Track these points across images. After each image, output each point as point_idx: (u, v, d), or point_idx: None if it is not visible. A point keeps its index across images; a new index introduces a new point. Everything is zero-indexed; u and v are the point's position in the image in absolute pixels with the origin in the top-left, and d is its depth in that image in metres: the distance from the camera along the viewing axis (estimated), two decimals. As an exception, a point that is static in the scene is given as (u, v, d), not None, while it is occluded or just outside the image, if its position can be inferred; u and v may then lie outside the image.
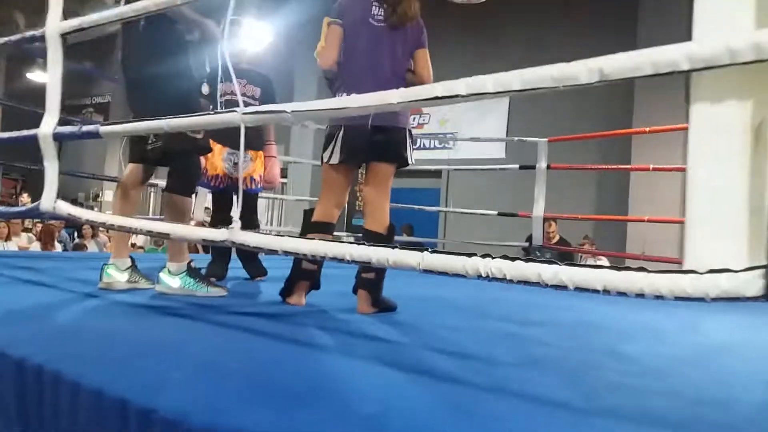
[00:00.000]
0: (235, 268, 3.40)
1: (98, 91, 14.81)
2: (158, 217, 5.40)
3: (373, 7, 2.40)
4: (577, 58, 1.08)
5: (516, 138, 6.09)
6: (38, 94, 2.35)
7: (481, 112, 9.46)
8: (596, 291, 1.01)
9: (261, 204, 10.27)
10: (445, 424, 1.04)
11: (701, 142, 0.97)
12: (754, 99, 0.93)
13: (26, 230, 8.35)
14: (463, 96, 1.20)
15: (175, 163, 2.48)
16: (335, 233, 2.68)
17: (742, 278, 0.86)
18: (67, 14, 2.24)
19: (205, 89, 2.43)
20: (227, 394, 1.13)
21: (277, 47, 8.62)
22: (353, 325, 2.06)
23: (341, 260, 1.32)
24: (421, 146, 9.93)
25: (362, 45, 2.39)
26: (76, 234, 9.66)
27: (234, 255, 3.45)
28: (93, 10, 2.36)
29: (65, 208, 2.06)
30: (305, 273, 2.39)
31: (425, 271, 1.20)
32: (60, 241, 8.42)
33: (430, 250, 1.24)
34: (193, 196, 5.08)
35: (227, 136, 3.00)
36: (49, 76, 2.17)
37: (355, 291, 2.36)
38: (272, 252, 1.52)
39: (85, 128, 2.03)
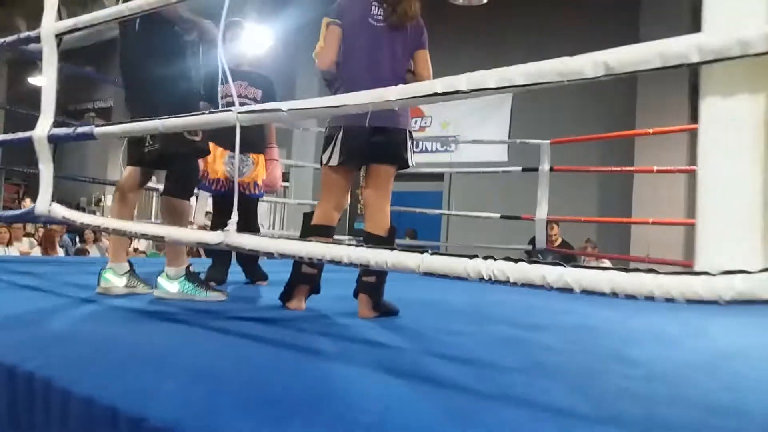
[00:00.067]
0: (236, 272, 3.36)
1: (100, 95, 14.83)
2: (160, 221, 5.35)
3: (373, 7, 2.36)
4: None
5: (518, 140, 6.05)
6: (40, 98, 2.32)
7: (483, 114, 9.43)
8: (603, 294, 0.97)
9: (263, 208, 10.27)
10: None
11: (712, 138, 0.93)
12: (766, 92, 0.89)
13: (28, 235, 8.33)
14: (464, 92, 1.16)
15: (173, 166, 2.45)
16: (337, 237, 2.64)
17: (758, 279, 0.82)
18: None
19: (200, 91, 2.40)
20: (221, 403, 1.09)
21: (278, 49, 8.60)
22: (353, 330, 2.02)
23: (339, 263, 1.28)
24: (423, 149, 9.90)
25: (361, 45, 2.35)
26: (78, 239, 9.65)
27: (234, 259, 3.41)
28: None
29: (60, 211, 2.03)
30: (305, 277, 2.35)
31: (425, 273, 1.16)
32: (62, 246, 8.40)
33: (430, 252, 1.20)
34: (194, 200, 5.06)
35: (228, 139, 2.97)
36: (44, 78, 2.14)
37: (355, 295, 2.32)
38: (269, 255, 1.48)
39: (80, 130, 1.99)
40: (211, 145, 3.12)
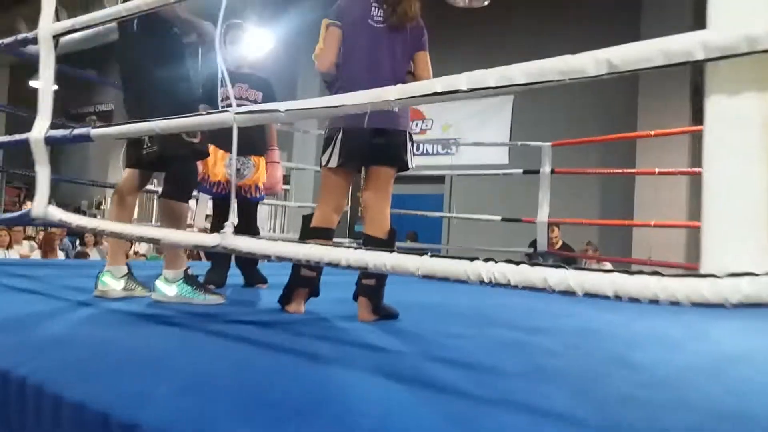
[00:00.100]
0: (235, 275, 3.34)
1: (102, 99, 14.82)
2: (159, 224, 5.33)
3: (373, 8, 2.34)
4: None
5: (519, 143, 6.03)
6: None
7: (484, 117, 9.41)
8: (606, 297, 0.95)
9: (264, 211, 10.26)
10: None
11: (717, 137, 0.91)
12: (774, 90, 0.87)
13: (29, 238, 8.31)
14: (464, 91, 1.14)
15: (172, 168, 2.43)
16: (337, 239, 2.62)
17: (765, 282, 0.79)
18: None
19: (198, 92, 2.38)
20: (216, 409, 1.07)
21: (279, 52, 8.59)
22: (353, 333, 2.00)
23: (337, 265, 1.26)
24: (424, 152, 9.88)
25: (361, 46, 2.33)
26: (78, 242, 9.62)
27: (234, 263, 3.39)
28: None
29: (57, 213, 2.01)
30: (304, 280, 2.33)
31: (425, 276, 1.13)
32: (62, 249, 8.38)
33: (430, 254, 1.17)
34: (195, 202, 5.05)
35: (229, 141, 2.96)
36: (41, 79, 2.12)
37: (355, 298, 2.30)
38: (266, 257, 1.46)
39: (77, 131, 1.97)
40: (212, 147, 3.11)
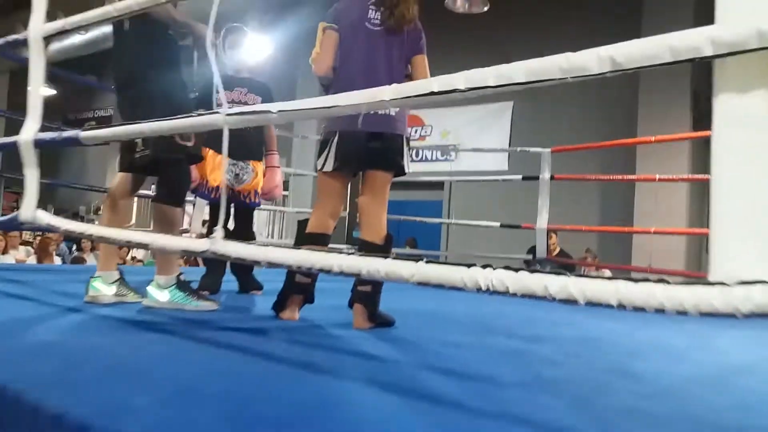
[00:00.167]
0: (230, 281, 3.29)
1: (100, 104, 14.81)
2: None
3: (370, 11, 2.31)
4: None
5: (518, 149, 6.00)
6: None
7: (483, 124, 9.39)
8: (610, 306, 0.90)
9: (262, 216, 10.21)
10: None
11: (726, 138, 0.86)
12: (786, 89, 0.82)
13: (25, 243, 8.26)
14: (461, 91, 1.09)
15: (164, 172, 2.39)
16: (335, 245, 2.58)
17: (779, 291, 0.75)
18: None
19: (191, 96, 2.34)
20: (200, 420, 1.02)
21: (278, 56, 8.57)
22: (348, 341, 1.95)
23: (329, 272, 1.21)
24: (423, 158, 9.86)
25: (358, 50, 2.29)
26: (75, 247, 9.57)
27: (229, 269, 3.35)
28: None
29: (45, 218, 1.96)
30: (299, 286, 2.28)
31: (420, 283, 1.09)
32: (59, 254, 8.33)
33: (425, 260, 1.13)
34: (192, 207, 4.99)
35: (228, 146, 2.93)
36: (30, 80, 2.08)
37: (350, 305, 2.25)
38: (257, 263, 1.41)
39: (66, 134, 1.93)
40: (210, 152, 3.07)
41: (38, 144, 2.00)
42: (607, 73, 0.94)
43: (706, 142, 6.30)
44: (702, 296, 0.79)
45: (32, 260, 7.22)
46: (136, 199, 8.33)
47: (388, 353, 1.81)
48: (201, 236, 4.25)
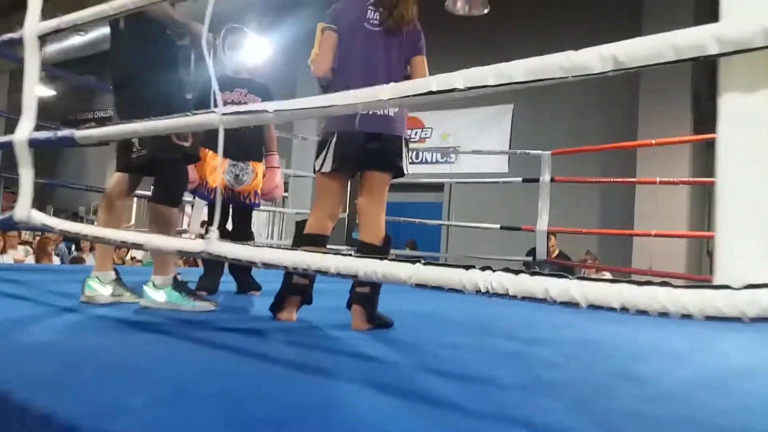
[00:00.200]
0: (229, 282, 3.27)
1: (100, 105, 14.79)
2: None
3: (369, 11, 2.29)
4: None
5: (519, 151, 5.98)
6: (41, 107, 2.26)
7: (483, 126, 9.37)
8: (612, 309, 0.88)
9: (262, 217, 10.18)
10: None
11: (732, 138, 0.85)
12: (793, 87, 0.81)
13: (24, 243, 8.24)
14: (460, 90, 1.08)
15: (161, 172, 2.37)
16: (334, 247, 2.56)
17: (785, 294, 0.73)
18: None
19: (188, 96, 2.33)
20: (194, 423, 1.00)
21: (278, 57, 8.55)
22: (346, 343, 1.93)
23: (326, 273, 1.19)
24: (423, 160, 9.84)
25: (357, 50, 2.28)
26: (74, 247, 9.54)
27: (227, 269, 3.33)
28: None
29: (40, 218, 1.94)
30: (297, 287, 2.26)
31: (418, 285, 1.07)
32: (57, 254, 8.30)
33: (423, 262, 1.11)
34: (191, 208, 4.97)
35: (228, 145, 2.92)
36: (25, 79, 2.06)
37: (349, 306, 2.23)
38: (252, 264, 1.40)
39: (61, 134, 1.91)
40: (210, 153, 3.05)
41: (33, 143, 1.98)
42: (609, 72, 0.93)
43: (707, 144, 6.29)
44: (707, 300, 0.78)
45: (31, 260, 7.20)
46: (135, 199, 8.29)
47: (386, 354, 1.79)
48: (199, 237, 4.25)
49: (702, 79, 7.21)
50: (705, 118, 7.05)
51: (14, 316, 1.97)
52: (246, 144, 3.17)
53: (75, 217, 13.19)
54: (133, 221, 10.24)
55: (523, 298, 0.97)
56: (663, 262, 6.18)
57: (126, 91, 2.39)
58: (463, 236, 8.76)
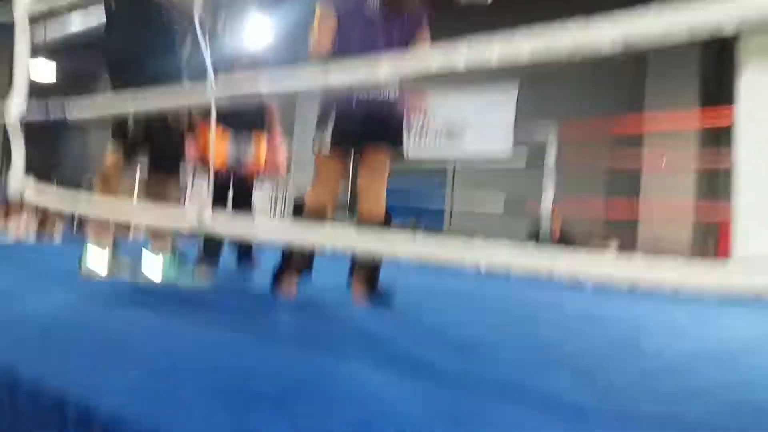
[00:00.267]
0: (229, 256, 3.25)
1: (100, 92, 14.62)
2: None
3: None
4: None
5: (524, 130, 5.92)
6: (40, 90, 2.21)
7: (488, 105, 9.26)
8: (622, 286, 0.85)
9: (263, 197, 10.14)
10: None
11: (752, 118, 0.81)
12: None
13: (28, 213, 8.20)
14: (461, 70, 1.03)
15: (157, 143, 2.32)
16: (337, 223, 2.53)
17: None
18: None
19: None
20: (182, 396, 0.98)
21: (280, 40, 8.46)
22: (345, 317, 1.91)
23: (322, 248, 1.16)
24: (426, 141, 9.73)
25: (356, 33, 2.21)
26: (79, 221, 9.50)
27: (228, 243, 3.30)
28: None
29: (33, 194, 1.91)
30: (297, 262, 2.23)
31: (417, 260, 1.03)
32: (62, 225, 8.25)
33: (423, 235, 1.07)
34: (190, 186, 4.94)
35: (231, 116, 2.89)
36: (16, 55, 2.02)
37: (349, 281, 2.20)
38: (246, 238, 1.37)
39: (52, 108, 1.87)
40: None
41: (24, 120, 1.95)
42: (618, 52, 0.88)
43: (716, 128, 6.22)
44: (723, 276, 0.74)
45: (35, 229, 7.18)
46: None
47: (385, 330, 1.76)
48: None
49: (710, 59, 7.10)
50: (712, 99, 6.95)
51: (10, 290, 1.95)
52: (247, 114, 3.13)
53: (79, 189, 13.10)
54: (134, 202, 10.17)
55: (527, 276, 0.94)
56: (669, 246, 6.16)
57: (122, 76, 2.32)
58: (465, 218, 8.71)
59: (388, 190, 2.27)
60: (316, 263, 2.31)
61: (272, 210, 10.76)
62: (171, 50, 2.33)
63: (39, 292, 1.98)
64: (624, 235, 7.36)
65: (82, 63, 9.71)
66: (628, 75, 7.62)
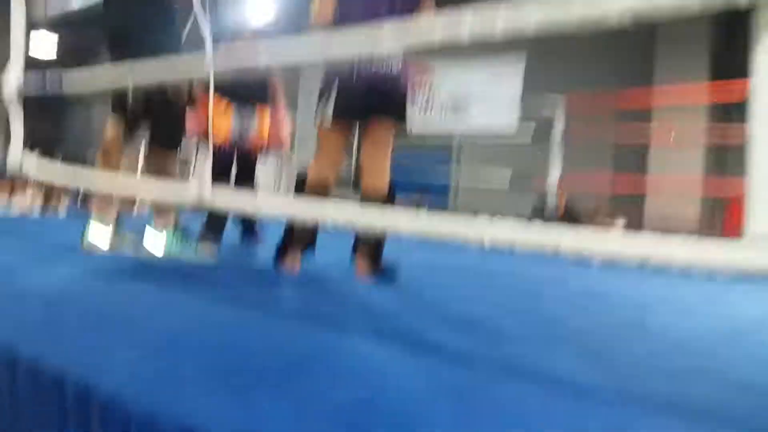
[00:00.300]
0: (233, 230, 3.23)
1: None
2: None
3: None
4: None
5: (530, 103, 5.85)
6: (40, 64, 2.17)
7: (494, 77, 9.13)
8: (631, 263, 0.82)
9: (268, 170, 10.09)
10: (442, 415, 0.86)
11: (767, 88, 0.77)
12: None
13: (32, 189, 8.20)
14: (465, 41, 0.99)
15: (158, 117, 2.29)
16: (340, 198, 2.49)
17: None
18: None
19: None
20: (182, 374, 0.96)
21: (283, 13, 8.34)
22: (348, 292, 1.90)
23: (323, 223, 1.14)
24: (431, 114, 9.64)
25: (358, 3, 2.15)
26: (83, 195, 9.49)
27: (232, 217, 3.28)
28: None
29: (32, 166, 1.89)
30: (300, 236, 2.21)
31: (420, 236, 1.01)
32: (67, 199, 8.24)
33: (427, 211, 1.04)
34: (195, 159, 4.88)
35: (234, 89, 2.85)
36: (12, 27, 1.98)
37: (353, 256, 2.18)
38: (248, 214, 1.34)
39: (49, 79, 1.84)
40: (215, 99, 2.95)
41: (21, 91, 1.92)
42: (627, 23, 0.84)
43: (725, 101, 6.12)
44: (736, 253, 0.72)
45: (41, 203, 7.18)
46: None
47: (389, 305, 1.75)
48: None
49: (721, 32, 6.97)
50: (723, 73, 6.84)
51: (13, 264, 1.94)
52: (251, 87, 3.08)
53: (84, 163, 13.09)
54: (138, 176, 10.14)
55: (533, 251, 0.91)
56: (677, 221, 6.11)
57: (120, 50, 2.28)
58: (471, 192, 8.66)
59: (392, 166, 2.23)
60: (320, 239, 2.28)
61: (276, 184, 10.74)
62: (170, 25, 2.28)
63: (40, 266, 1.97)
64: (631, 210, 7.32)
65: (82, 39, 9.60)
66: (638, 48, 7.50)
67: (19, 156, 1.90)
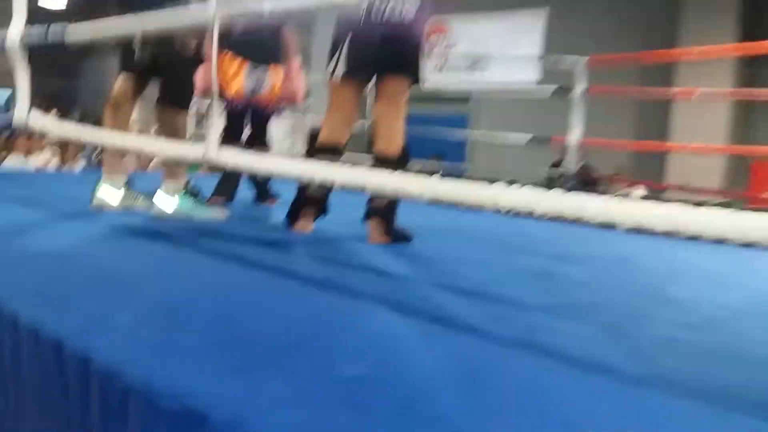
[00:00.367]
0: (246, 190, 3.18)
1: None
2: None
3: None
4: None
5: (551, 59, 5.67)
6: (52, 19, 2.09)
7: (514, 33, 8.88)
8: (658, 233, 0.75)
9: (283, 126, 10.01)
10: (451, 394, 0.81)
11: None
12: None
13: (49, 146, 8.19)
14: None
15: (168, 73, 2.22)
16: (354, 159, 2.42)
17: None
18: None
19: None
20: (183, 343, 0.92)
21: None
22: (360, 256, 1.84)
23: (331, 185, 1.07)
24: (448, 69, 9.43)
25: None
26: (100, 150, 9.47)
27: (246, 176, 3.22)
28: None
29: (40, 120, 1.84)
30: (312, 198, 2.15)
31: (432, 201, 0.94)
32: (83, 156, 8.25)
33: (441, 175, 0.97)
34: (204, 117, 4.82)
35: (247, 48, 2.77)
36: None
37: (366, 219, 2.12)
38: (260, 173, 1.28)
39: (52, 31, 1.77)
40: (228, 57, 2.88)
41: (25, 44, 1.85)
42: None
43: (754, 57, 5.89)
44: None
45: (57, 162, 7.18)
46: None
47: (402, 271, 1.69)
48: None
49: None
50: (754, 27, 6.58)
51: (20, 222, 1.91)
52: (264, 45, 2.99)
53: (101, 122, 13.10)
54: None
55: (553, 219, 0.85)
56: (700, 178, 5.96)
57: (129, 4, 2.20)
58: (489, 150, 8.53)
59: (407, 120, 2.15)
60: (334, 198, 2.22)
61: (291, 140, 10.65)
62: None
63: (48, 226, 1.94)
64: (652, 172, 7.17)
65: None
66: (662, 9, 7.24)
67: (24, 111, 1.84)
